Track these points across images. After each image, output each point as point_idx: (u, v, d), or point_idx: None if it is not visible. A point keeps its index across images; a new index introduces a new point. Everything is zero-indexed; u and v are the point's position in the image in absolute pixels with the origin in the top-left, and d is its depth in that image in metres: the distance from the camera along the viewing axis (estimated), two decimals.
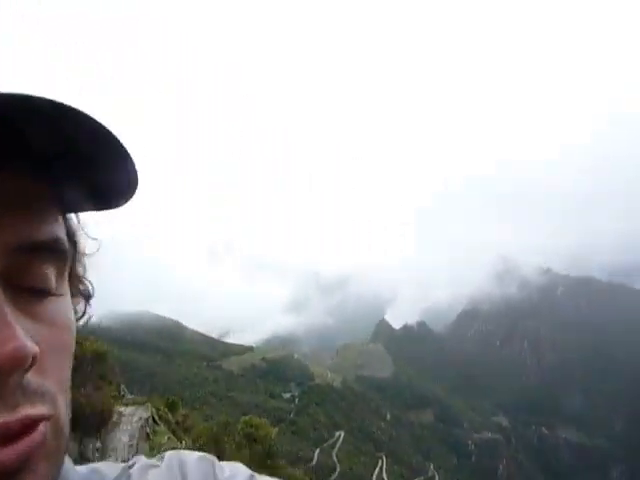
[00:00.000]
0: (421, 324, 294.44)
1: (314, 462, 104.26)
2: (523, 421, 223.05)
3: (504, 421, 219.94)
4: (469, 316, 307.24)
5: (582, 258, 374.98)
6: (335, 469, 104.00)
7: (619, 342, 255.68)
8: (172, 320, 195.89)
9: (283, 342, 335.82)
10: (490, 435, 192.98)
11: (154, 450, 15.32)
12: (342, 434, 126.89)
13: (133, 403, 19.17)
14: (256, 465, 20.02)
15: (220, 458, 11.90)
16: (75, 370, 10.02)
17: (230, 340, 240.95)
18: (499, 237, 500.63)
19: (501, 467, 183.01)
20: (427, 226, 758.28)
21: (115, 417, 14.22)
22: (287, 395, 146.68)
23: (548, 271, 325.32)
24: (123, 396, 20.25)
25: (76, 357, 10.42)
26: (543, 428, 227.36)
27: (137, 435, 13.67)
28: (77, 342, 10.34)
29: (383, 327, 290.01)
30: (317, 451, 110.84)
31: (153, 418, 18.26)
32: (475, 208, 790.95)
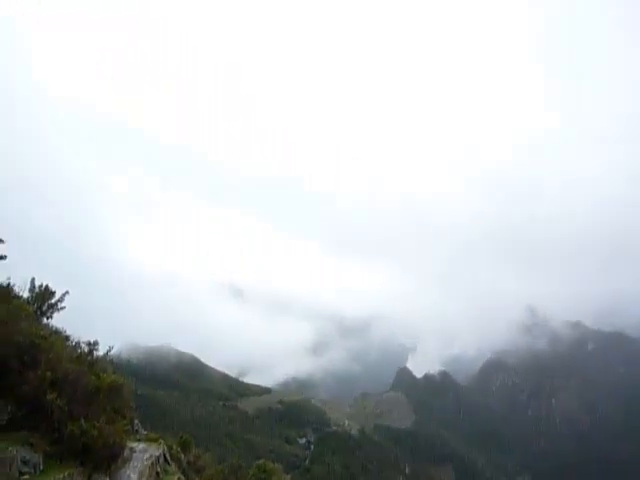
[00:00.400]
0: (443, 374, 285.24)
1: None
2: None
3: None
4: (494, 368, 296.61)
5: (613, 313, 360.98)
6: None
7: None
8: (192, 356, 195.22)
9: (301, 385, 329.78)
10: None
11: None
12: None
13: (146, 439, 18.91)
14: None
15: None
16: (90, 401, 10.05)
17: (248, 380, 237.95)
18: (528, 287, 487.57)
19: None
20: (453, 273, 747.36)
21: (126, 453, 13.99)
22: (303, 441, 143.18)
23: (578, 325, 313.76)
24: (137, 431, 20.01)
25: (92, 388, 10.46)
26: None
27: (147, 473, 13.38)
28: (94, 373, 10.37)
29: (404, 375, 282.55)
30: None
31: (164, 457, 17.94)
32: (503, 256, 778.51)
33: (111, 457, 11.67)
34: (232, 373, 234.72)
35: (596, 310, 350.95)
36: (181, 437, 27.05)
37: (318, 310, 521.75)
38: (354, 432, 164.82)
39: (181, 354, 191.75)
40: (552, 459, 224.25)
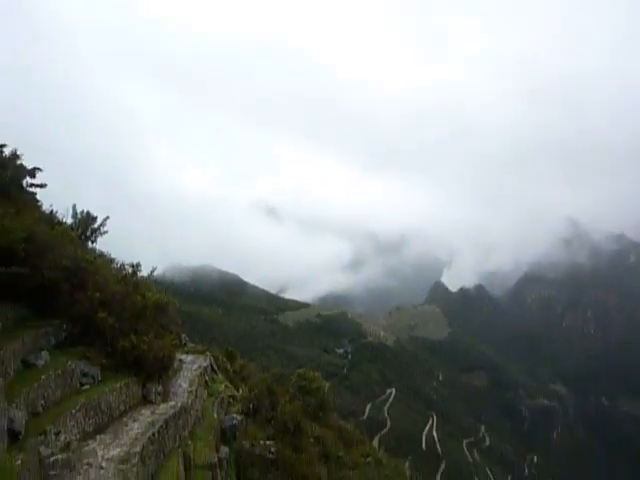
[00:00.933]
0: (479, 288, 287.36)
1: (365, 416, 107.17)
2: (582, 391, 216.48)
3: (562, 389, 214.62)
4: (531, 281, 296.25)
5: None
6: (386, 424, 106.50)
7: None
8: (233, 275, 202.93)
9: (338, 300, 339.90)
10: (546, 402, 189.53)
11: (212, 397, 16.19)
12: (394, 391, 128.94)
13: (194, 351, 20.25)
14: (308, 416, 20.75)
15: (274, 408, 12.45)
16: (138, 318, 10.62)
17: (287, 296, 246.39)
18: (569, 199, 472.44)
19: (555, 435, 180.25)
20: (491, 186, 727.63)
21: (176, 364, 15.05)
22: (341, 351, 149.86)
23: (621, 237, 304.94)
24: (185, 344, 21.38)
25: (139, 307, 11.01)
26: (603, 399, 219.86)
27: (196, 382, 14.43)
28: (140, 293, 10.84)
29: (439, 289, 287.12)
30: (369, 406, 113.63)
31: (212, 367, 19.24)
32: (545, 166, 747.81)
33: (162, 368, 12.56)
34: (272, 290, 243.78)
35: (638, 222, 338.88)
36: (227, 349, 28.64)
37: (353, 227, 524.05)
38: (389, 343, 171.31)
39: (223, 273, 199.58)
40: (585, 368, 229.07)
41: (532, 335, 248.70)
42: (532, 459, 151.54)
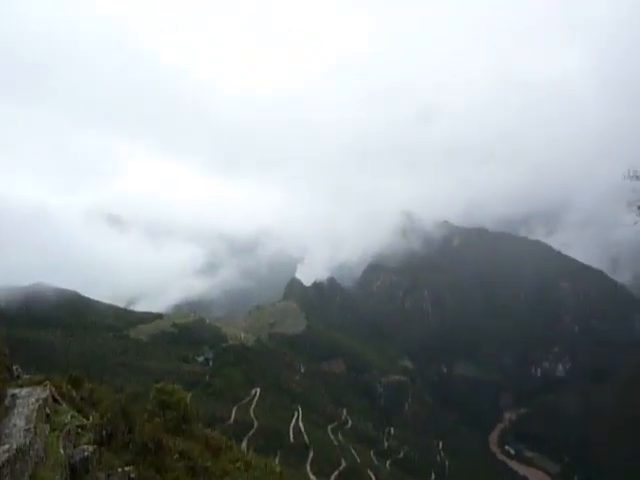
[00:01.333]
0: (331, 280, 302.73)
1: (232, 420, 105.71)
2: (426, 362, 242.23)
3: (409, 364, 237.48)
4: (375, 271, 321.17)
5: (476, 210, 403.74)
6: (253, 425, 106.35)
7: (508, 286, 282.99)
8: (72, 292, 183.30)
9: (195, 307, 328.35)
10: (397, 377, 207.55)
11: (56, 430, 14.40)
12: (258, 391, 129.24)
13: (30, 383, 17.79)
14: (170, 432, 19.68)
15: (131, 430, 11.42)
16: None
17: (139, 308, 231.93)
18: (404, 193, 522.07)
19: (407, 405, 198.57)
20: (336, 181, 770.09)
21: (8, 401, 13.07)
22: (201, 358, 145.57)
23: (445, 224, 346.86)
24: (18, 377, 18.71)
25: None
26: (443, 367, 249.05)
27: (35, 417, 12.70)
28: None
29: (294, 285, 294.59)
30: (234, 410, 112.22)
31: (53, 397, 17.11)
32: (382, 162, 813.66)
33: None
34: (120, 304, 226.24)
35: (460, 210, 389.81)
36: (70, 374, 25.85)
37: (205, 231, 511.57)
38: (250, 343, 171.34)
39: (60, 291, 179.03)
40: (426, 342, 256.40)
41: (380, 319, 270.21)
42: (389, 431, 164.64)
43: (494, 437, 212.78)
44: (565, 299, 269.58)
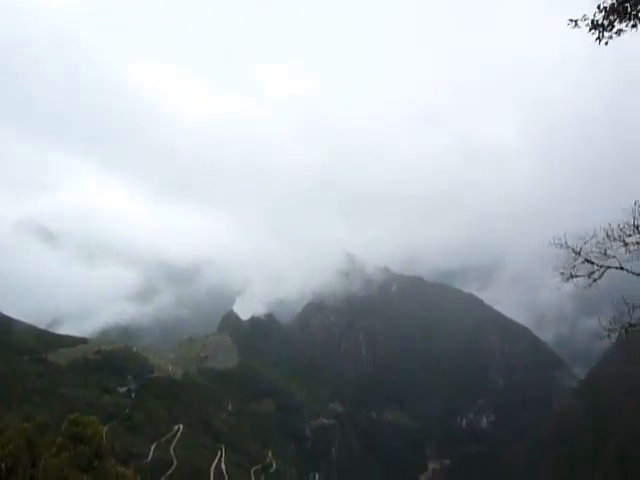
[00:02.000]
0: (269, 316, 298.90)
1: (149, 458, 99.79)
2: (356, 406, 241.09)
3: (339, 407, 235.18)
4: (314, 309, 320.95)
5: (414, 259, 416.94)
6: (172, 464, 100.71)
7: (440, 335, 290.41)
8: None
9: (123, 334, 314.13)
10: (326, 421, 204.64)
11: None
12: (181, 427, 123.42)
13: None
14: (80, 468, 18.24)
15: (35, 464, 10.45)
16: None
17: (63, 331, 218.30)
18: (347, 235, 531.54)
19: (333, 450, 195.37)
20: (281, 221, 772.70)
21: None
22: (123, 389, 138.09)
23: (385, 270, 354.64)
24: None
25: None
26: (372, 412, 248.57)
27: None
28: None
29: (231, 319, 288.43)
30: (153, 446, 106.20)
31: None
32: (328, 204, 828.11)
33: None
34: (42, 324, 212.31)
35: (401, 257, 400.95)
36: None
37: (142, 255, 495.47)
38: (178, 377, 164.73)
39: None
40: (358, 384, 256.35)
41: (315, 359, 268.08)
42: (314, 477, 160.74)
43: None
44: (492, 351, 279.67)
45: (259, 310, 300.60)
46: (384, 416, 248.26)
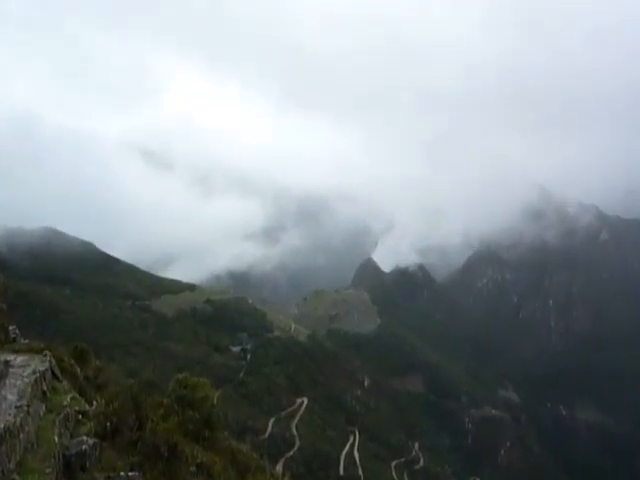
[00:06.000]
0: (419, 267, 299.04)
1: (267, 434, 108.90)
2: (537, 397, 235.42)
3: (514, 396, 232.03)
4: (483, 261, 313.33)
5: (637, 196, 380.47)
6: (294, 444, 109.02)
7: None
8: (88, 244, 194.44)
9: (237, 281, 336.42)
10: (494, 412, 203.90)
11: (52, 413, 15.54)
12: (305, 401, 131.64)
13: (27, 350, 19.25)
14: (190, 436, 20.62)
15: (141, 427, 12.01)
16: None
17: (168, 274, 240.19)
18: (536, 161, 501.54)
19: (503, 451, 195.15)
20: (443, 138, 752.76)
21: None
22: (237, 349, 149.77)
23: (593, 210, 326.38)
24: (14, 340, 20.28)
25: None
26: (561, 407, 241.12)
27: (29, 393, 13.75)
28: None
29: (369, 269, 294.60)
30: (272, 421, 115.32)
31: (53, 372, 18.44)
32: (509, 115, 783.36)
33: None
34: (145, 265, 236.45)
35: (615, 193, 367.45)
36: (76, 346, 27.59)
37: (265, 185, 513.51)
38: (302, 338, 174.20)
39: (74, 241, 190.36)
40: (542, 369, 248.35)
41: (480, 329, 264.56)
42: None
43: None
44: None
45: (407, 259, 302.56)
46: (577, 414, 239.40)
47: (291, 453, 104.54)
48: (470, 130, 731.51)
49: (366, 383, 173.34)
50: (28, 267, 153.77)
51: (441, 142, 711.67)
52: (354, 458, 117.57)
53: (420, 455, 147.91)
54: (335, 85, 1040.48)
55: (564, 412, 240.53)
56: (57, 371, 19.01)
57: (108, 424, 16.44)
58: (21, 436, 12.23)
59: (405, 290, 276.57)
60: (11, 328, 20.70)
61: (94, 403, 19.24)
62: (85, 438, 14.32)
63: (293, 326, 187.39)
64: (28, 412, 13.05)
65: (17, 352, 17.80)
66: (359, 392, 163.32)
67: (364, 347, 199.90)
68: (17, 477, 10.91)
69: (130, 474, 14.05)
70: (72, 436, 14.87)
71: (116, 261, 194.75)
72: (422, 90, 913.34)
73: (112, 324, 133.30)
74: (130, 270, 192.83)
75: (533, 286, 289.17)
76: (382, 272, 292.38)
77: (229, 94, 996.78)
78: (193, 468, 17.33)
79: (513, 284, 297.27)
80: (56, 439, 13.83)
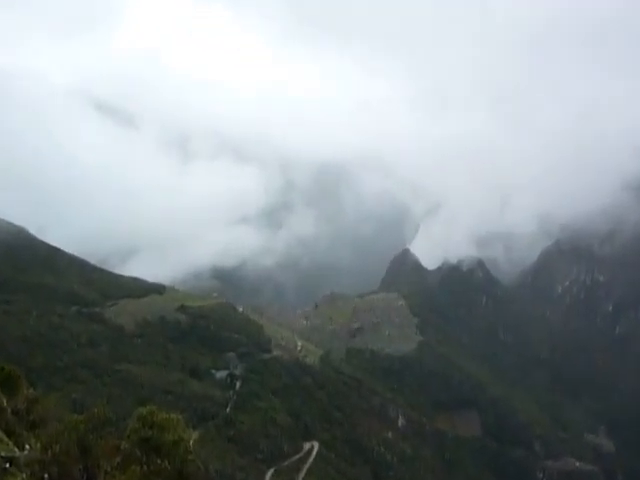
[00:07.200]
0: (478, 265, 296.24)
1: None
2: (639, 445, 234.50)
3: (607, 443, 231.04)
4: (564, 257, 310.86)
5: None
6: None
7: None
8: (19, 229, 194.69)
9: (223, 281, 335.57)
10: (578, 465, 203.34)
11: None
12: (316, 447, 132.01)
13: None
14: None
15: (90, 477, 12.39)
16: None
17: (127, 272, 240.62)
18: None
19: None
20: (508, 81, 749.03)
21: None
22: (222, 374, 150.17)
23: None
24: None
25: None
26: None
27: None
28: None
29: (406, 266, 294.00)
30: (269, 474, 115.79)
31: None
32: (607, 60, 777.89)
33: None
34: (97, 259, 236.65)
35: None
36: (2, 369, 27.96)
37: (265, 150, 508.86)
38: (312, 361, 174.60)
39: (2, 226, 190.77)
40: None
41: (560, 350, 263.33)
42: None
43: None
44: None
45: (459, 253, 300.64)
46: None
47: None
48: (549, 74, 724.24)
49: (400, 423, 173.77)
50: None
51: (510, 92, 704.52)
52: None
53: None
54: (365, 6, 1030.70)
55: None
56: None
57: (46, 476, 16.71)
58: None
59: (456, 295, 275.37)
60: None
61: (26, 447, 19.56)
62: None
63: (300, 344, 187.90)
64: None
65: None
66: (390, 435, 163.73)
67: (398, 373, 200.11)
68: None
69: None
70: None
71: (57, 253, 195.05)
72: (485, 18, 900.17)
73: (50, 339, 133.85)
74: (76, 265, 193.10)
75: (636, 291, 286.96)
76: (424, 270, 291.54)
77: (214, 22, 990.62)
78: None
79: (608, 288, 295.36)
80: None
